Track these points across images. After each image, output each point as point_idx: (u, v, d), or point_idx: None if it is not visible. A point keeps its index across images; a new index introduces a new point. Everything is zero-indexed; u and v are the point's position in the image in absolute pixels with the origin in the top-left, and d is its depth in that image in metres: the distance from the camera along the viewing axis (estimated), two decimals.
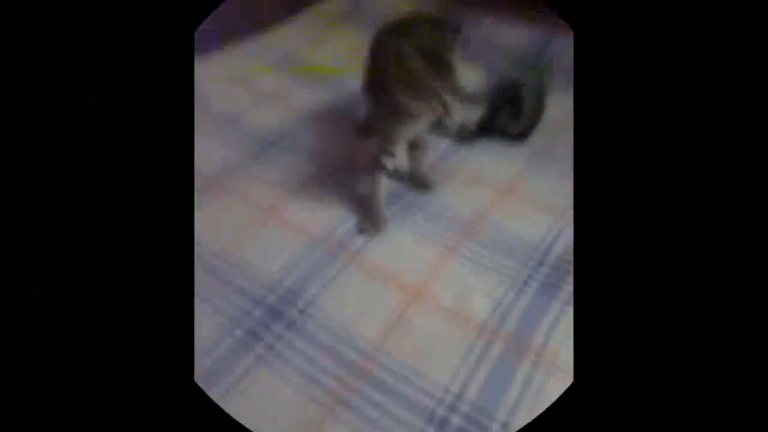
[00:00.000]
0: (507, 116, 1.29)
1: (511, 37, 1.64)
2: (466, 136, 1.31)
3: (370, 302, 0.93)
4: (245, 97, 1.46)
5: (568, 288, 0.94)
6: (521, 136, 1.30)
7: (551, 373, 0.81)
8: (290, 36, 1.79)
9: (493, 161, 1.25)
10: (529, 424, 0.68)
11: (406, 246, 1.04)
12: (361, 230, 1.08)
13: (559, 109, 1.35)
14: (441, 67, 1.00)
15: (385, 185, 1.11)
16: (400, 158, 1.12)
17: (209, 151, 1.23)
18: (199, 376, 0.81)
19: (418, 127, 1.10)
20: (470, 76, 1.15)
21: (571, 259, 1.00)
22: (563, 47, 1.60)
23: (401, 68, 1.00)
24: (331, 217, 1.10)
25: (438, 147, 1.28)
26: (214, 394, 0.79)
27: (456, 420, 0.76)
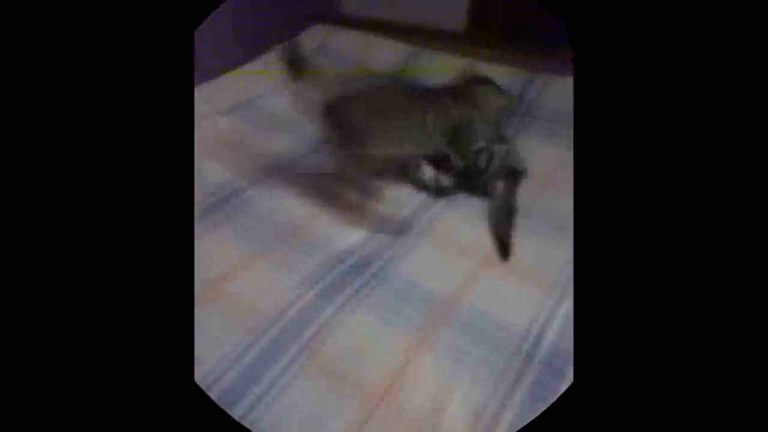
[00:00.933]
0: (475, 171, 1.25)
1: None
2: (441, 190, 1.26)
3: (323, 412, 0.77)
4: (199, 146, 1.33)
5: (561, 389, 0.78)
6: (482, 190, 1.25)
7: None
8: (250, 80, 1.72)
9: (471, 221, 1.16)
10: (529, 423, 0.68)
11: (369, 335, 0.89)
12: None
13: (542, 162, 1.31)
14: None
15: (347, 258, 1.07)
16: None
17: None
18: None
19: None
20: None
21: (567, 349, 0.85)
22: (545, 87, 1.56)
23: (379, 121, 1.13)
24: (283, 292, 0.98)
25: (411, 202, 1.22)
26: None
27: None
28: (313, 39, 1.88)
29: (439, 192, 1.25)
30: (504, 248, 1.07)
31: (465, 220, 1.16)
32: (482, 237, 1.11)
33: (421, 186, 1.27)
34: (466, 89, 1.23)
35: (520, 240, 1.08)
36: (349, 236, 1.11)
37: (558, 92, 1.53)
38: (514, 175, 1.28)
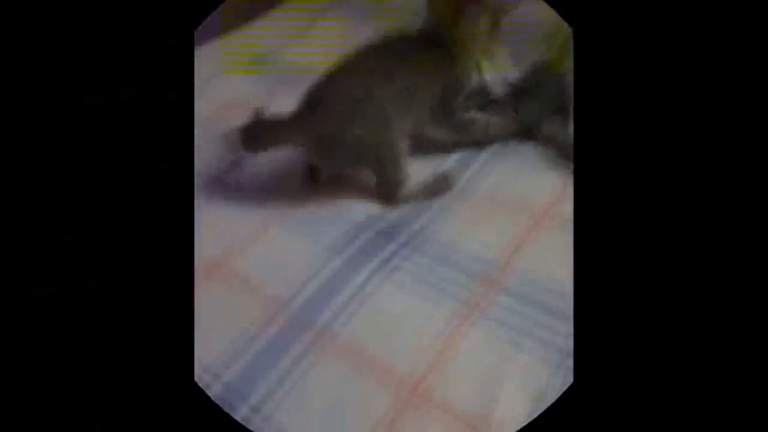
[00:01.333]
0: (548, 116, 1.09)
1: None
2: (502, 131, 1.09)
3: (349, 404, 0.68)
4: (213, 104, 1.27)
5: None
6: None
7: None
8: (266, 32, 1.60)
9: (521, 174, 1.01)
10: (529, 424, 0.65)
11: (404, 310, 0.78)
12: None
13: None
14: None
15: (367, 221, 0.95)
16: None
17: None
18: None
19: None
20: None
21: None
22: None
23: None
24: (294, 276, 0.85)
25: (449, 156, 1.06)
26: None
27: None
28: None
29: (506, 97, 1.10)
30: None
31: (514, 173, 1.01)
32: (534, 192, 0.96)
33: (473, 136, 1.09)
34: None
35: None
36: (373, 205, 0.97)
37: None
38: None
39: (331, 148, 0.96)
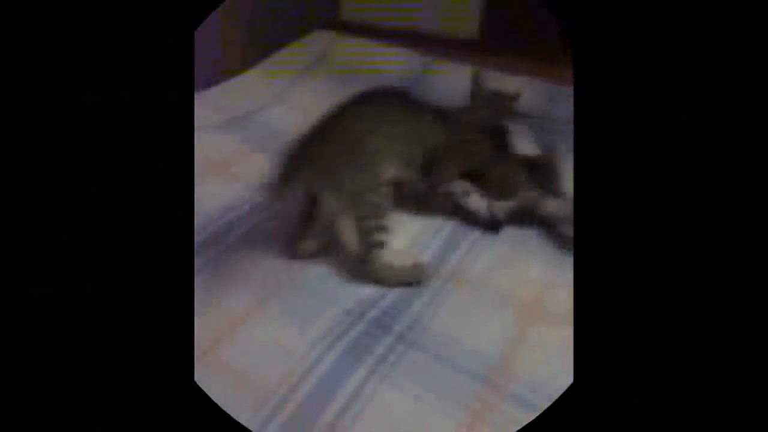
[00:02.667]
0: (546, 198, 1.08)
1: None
2: (496, 223, 1.09)
3: None
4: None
5: None
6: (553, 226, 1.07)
7: None
8: (249, 90, 1.58)
9: (512, 259, 1.01)
10: (529, 424, 0.67)
11: (405, 414, 0.74)
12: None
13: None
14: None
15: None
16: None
17: None
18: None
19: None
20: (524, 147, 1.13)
21: None
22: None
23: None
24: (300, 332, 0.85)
25: (430, 241, 1.05)
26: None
27: None
28: (313, 46, 1.76)
29: (493, 225, 1.09)
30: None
31: (504, 258, 1.01)
32: (525, 280, 0.96)
33: (470, 219, 1.10)
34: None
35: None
36: (361, 287, 0.93)
37: None
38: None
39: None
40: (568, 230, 1.03)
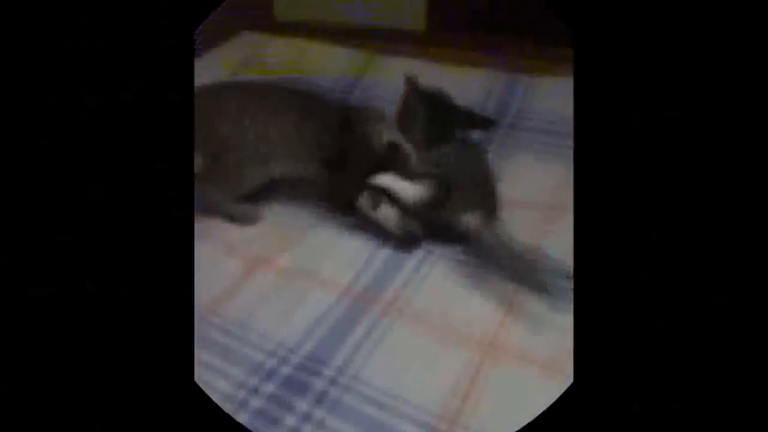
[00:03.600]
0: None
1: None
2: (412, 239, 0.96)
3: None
4: None
5: None
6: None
7: None
8: None
9: (458, 288, 0.88)
10: (529, 424, 0.65)
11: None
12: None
13: (541, 186, 1.06)
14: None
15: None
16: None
17: None
18: None
19: None
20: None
21: None
22: (534, 91, 1.31)
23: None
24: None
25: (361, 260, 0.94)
26: None
27: None
28: (240, 48, 1.65)
29: (408, 241, 0.95)
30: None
31: (450, 286, 0.88)
32: (478, 311, 0.83)
33: (382, 234, 0.96)
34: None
35: (527, 305, 0.83)
36: (281, 326, 0.82)
37: (552, 97, 1.28)
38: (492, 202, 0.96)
39: None
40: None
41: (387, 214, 0.95)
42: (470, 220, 0.91)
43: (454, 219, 0.92)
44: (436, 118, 1.07)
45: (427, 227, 0.95)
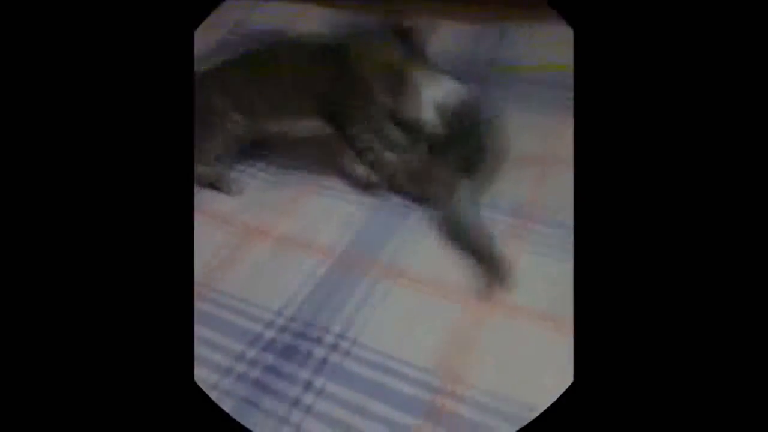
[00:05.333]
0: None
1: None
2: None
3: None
4: None
5: None
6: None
7: None
8: None
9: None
10: (529, 423, 0.64)
11: None
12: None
13: (532, 139, 1.04)
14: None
15: None
16: None
17: None
18: None
19: None
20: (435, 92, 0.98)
21: None
22: (526, 39, 1.29)
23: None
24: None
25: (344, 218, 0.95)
26: None
27: None
28: (228, 16, 1.61)
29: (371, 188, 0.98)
30: (499, 272, 0.81)
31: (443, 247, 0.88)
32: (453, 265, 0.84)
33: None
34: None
35: (519, 259, 0.83)
36: (278, 295, 0.82)
37: (544, 44, 1.27)
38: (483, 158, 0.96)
39: None
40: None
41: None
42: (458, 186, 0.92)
43: (444, 184, 0.93)
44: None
45: (417, 191, 0.96)
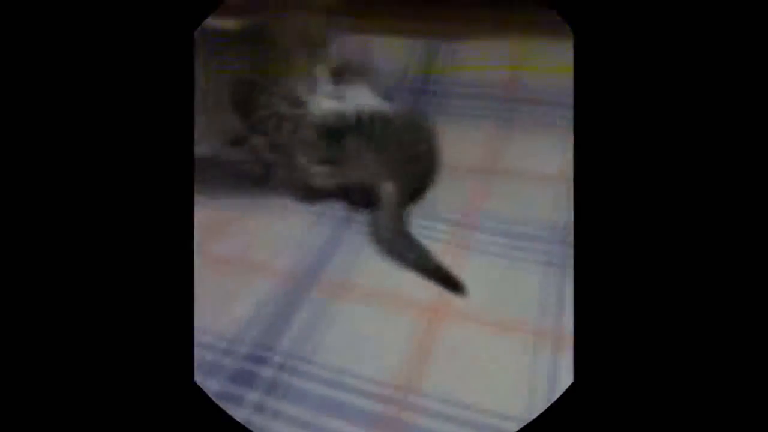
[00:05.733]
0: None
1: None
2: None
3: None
4: None
5: None
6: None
7: None
8: None
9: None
10: (529, 423, 0.65)
11: None
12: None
13: (469, 151, 1.09)
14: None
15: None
16: None
17: None
18: None
19: None
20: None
21: None
22: (459, 55, 1.31)
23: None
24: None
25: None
26: None
27: None
28: None
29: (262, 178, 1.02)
30: (450, 281, 0.81)
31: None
32: (416, 279, 0.84)
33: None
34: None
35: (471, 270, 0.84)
36: (221, 317, 0.79)
37: (478, 60, 1.30)
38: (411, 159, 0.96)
39: None
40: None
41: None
42: (388, 189, 0.92)
43: (375, 185, 0.93)
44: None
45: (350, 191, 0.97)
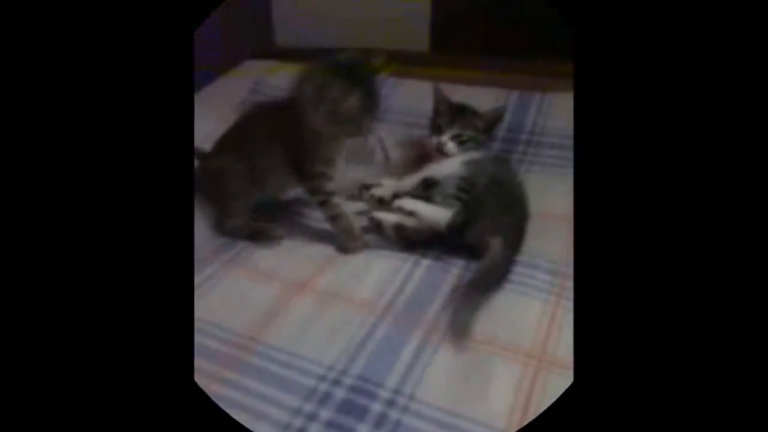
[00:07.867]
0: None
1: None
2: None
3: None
4: None
5: None
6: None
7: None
8: None
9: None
10: (529, 423, 0.66)
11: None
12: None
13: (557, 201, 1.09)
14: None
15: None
16: None
17: None
18: None
19: None
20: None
21: None
22: (549, 109, 1.38)
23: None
24: None
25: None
26: None
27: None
28: (248, 76, 1.67)
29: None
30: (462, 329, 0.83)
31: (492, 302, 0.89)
32: (521, 323, 0.86)
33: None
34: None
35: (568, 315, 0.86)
36: (326, 349, 0.81)
37: (562, 112, 1.35)
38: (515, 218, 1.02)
39: None
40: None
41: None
42: (494, 244, 0.95)
43: (477, 242, 0.97)
44: (465, 124, 1.15)
45: (451, 246, 1.00)
